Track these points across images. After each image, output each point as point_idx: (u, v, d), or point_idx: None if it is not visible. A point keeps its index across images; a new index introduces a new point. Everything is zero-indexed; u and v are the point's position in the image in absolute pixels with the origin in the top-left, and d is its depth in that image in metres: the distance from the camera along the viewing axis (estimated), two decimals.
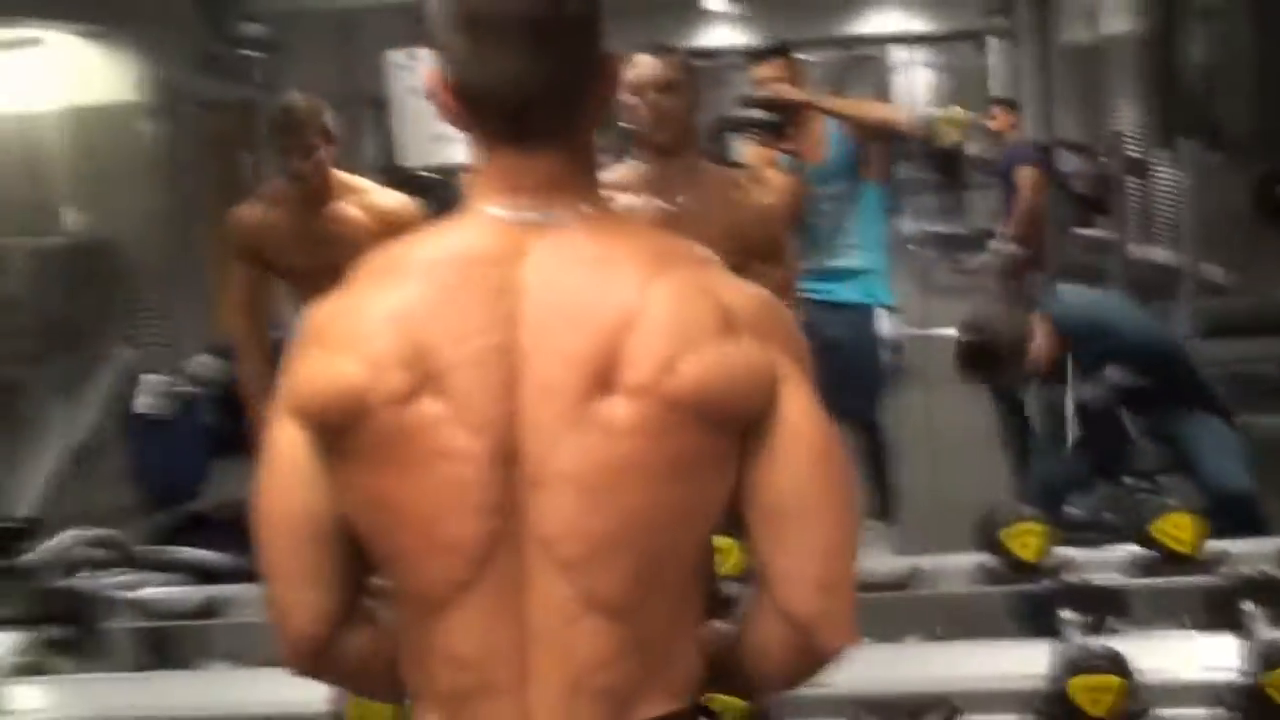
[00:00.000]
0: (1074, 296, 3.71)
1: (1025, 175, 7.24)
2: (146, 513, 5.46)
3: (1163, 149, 7.59)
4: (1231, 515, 3.06)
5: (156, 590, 2.52)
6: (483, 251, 1.14)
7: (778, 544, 1.14)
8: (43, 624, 2.27)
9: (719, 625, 1.24)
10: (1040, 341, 3.31)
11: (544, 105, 1.15)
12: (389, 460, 1.12)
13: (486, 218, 1.16)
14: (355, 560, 1.19)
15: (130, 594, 2.47)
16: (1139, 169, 7.97)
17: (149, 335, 7.65)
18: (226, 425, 6.77)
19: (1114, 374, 3.40)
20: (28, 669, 2.17)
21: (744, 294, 1.16)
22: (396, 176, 12.58)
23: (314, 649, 1.22)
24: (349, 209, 3.36)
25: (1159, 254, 8.83)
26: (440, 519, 1.11)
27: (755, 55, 4.30)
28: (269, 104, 9.88)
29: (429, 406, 1.10)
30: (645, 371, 1.09)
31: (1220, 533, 2.38)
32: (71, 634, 2.30)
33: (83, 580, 2.63)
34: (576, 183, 1.18)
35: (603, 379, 1.09)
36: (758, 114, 3.94)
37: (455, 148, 2.12)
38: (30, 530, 3.72)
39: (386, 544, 1.16)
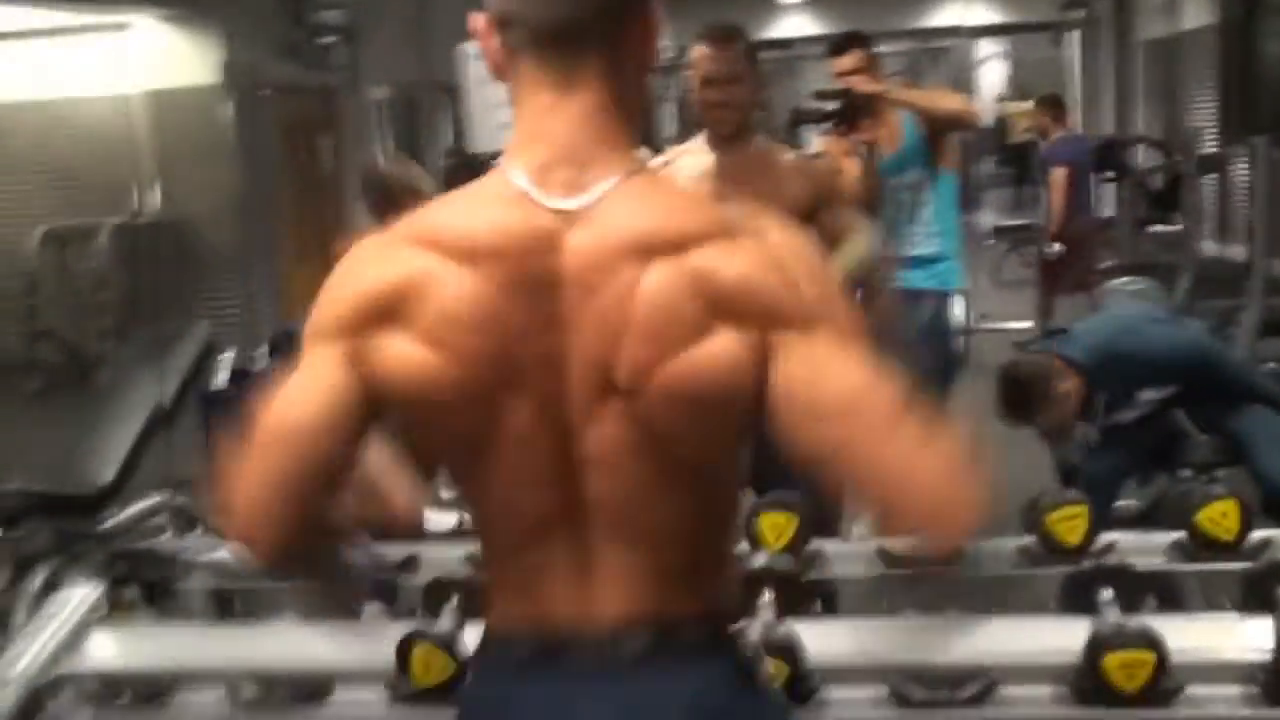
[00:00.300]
0: (1085, 334, 3.67)
1: (1055, 175, 7.29)
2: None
3: (1237, 145, 7.50)
4: None
5: (229, 552, 2.62)
6: (530, 237, 1.21)
7: (837, 447, 1.21)
8: (125, 580, 2.38)
9: None
10: (1067, 386, 3.38)
11: (586, 31, 1.22)
12: (472, 445, 1.26)
13: (519, 194, 1.22)
14: (336, 484, 1.29)
15: (204, 556, 2.57)
16: (1213, 165, 7.89)
17: (224, 313, 7.87)
18: None
19: (1147, 394, 3.46)
20: (110, 619, 2.28)
21: (740, 266, 1.20)
22: (461, 159, 12.81)
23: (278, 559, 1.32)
24: None
25: (1231, 251, 8.75)
26: (519, 494, 1.27)
27: (832, 47, 4.35)
28: (345, 89, 10.10)
29: (510, 403, 1.23)
30: (628, 374, 1.21)
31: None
32: (151, 590, 2.41)
33: (162, 542, 2.73)
34: (613, 138, 1.24)
35: (606, 378, 1.22)
36: (832, 105, 4.00)
37: None
38: (109, 496, 3.88)
39: (470, 502, 1.32)
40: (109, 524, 3.70)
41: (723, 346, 1.20)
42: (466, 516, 4.33)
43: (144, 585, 2.43)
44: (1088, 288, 6.77)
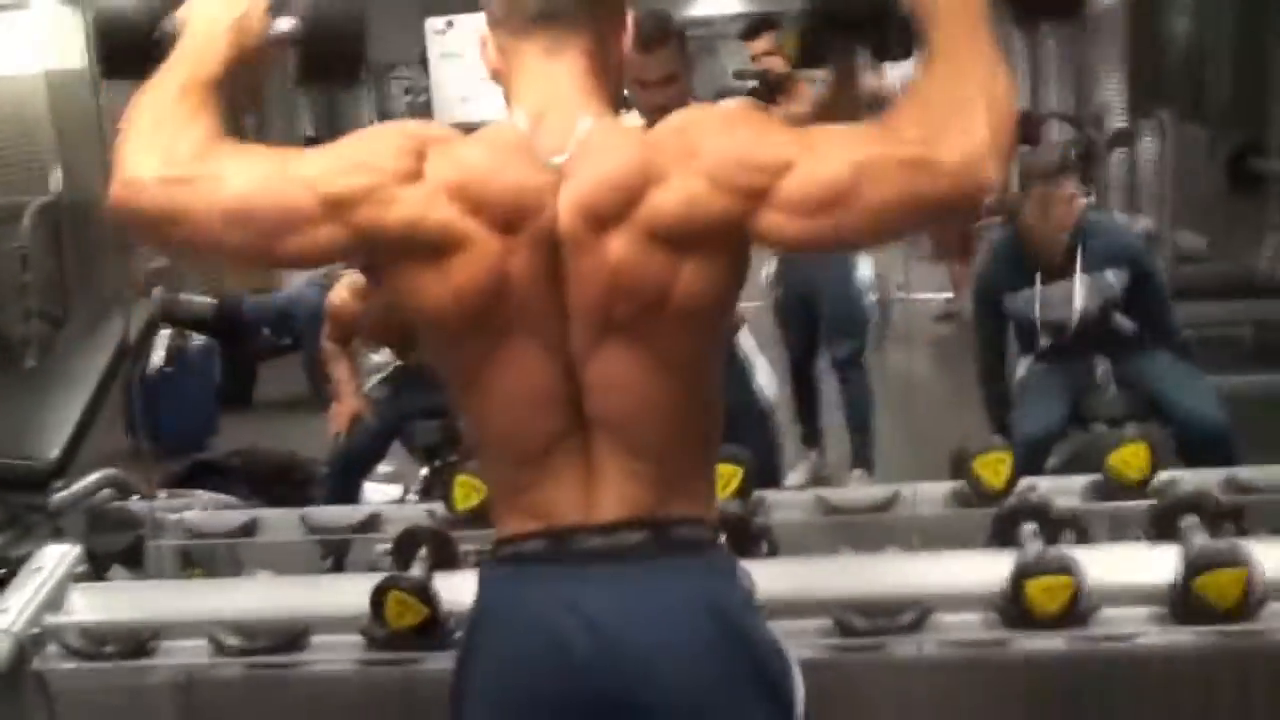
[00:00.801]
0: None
1: None
2: (157, 459, 5.69)
3: (1145, 120, 7.78)
4: (1214, 450, 3.32)
5: (198, 513, 2.72)
6: (535, 191, 1.38)
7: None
8: (102, 539, 2.47)
9: None
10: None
11: (567, 10, 1.42)
12: (480, 356, 1.43)
13: (519, 134, 1.40)
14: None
15: (175, 515, 2.67)
16: (1122, 140, 8.16)
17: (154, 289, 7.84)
18: (230, 380, 7.03)
19: (1116, 277, 3.69)
20: (87, 577, 2.37)
21: (684, 195, 1.36)
22: None
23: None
24: None
25: (1141, 222, 9.05)
26: (523, 410, 1.44)
27: (746, 31, 4.70)
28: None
29: (510, 332, 1.41)
30: (635, 312, 1.39)
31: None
32: (124, 548, 2.50)
33: (132, 504, 2.82)
34: (587, 91, 1.43)
35: (611, 317, 1.39)
36: (750, 84, 4.23)
37: (481, 106, 2.35)
38: (59, 470, 3.94)
39: (478, 403, 1.46)
40: (58, 497, 3.79)
41: (687, 277, 1.38)
42: (411, 489, 4.46)
43: (121, 540, 2.51)
44: None
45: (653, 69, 3.00)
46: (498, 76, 1.49)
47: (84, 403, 4.17)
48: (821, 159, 1.34)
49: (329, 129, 12.50)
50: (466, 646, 1.51)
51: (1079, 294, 3.78)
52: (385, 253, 1.42)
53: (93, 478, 3.88)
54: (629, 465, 1.43)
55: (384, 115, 13.48)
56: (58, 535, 3.79)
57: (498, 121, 1.45)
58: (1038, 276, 3.83)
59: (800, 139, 1.37)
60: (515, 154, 1.40)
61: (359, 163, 1.40)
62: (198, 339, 6.85)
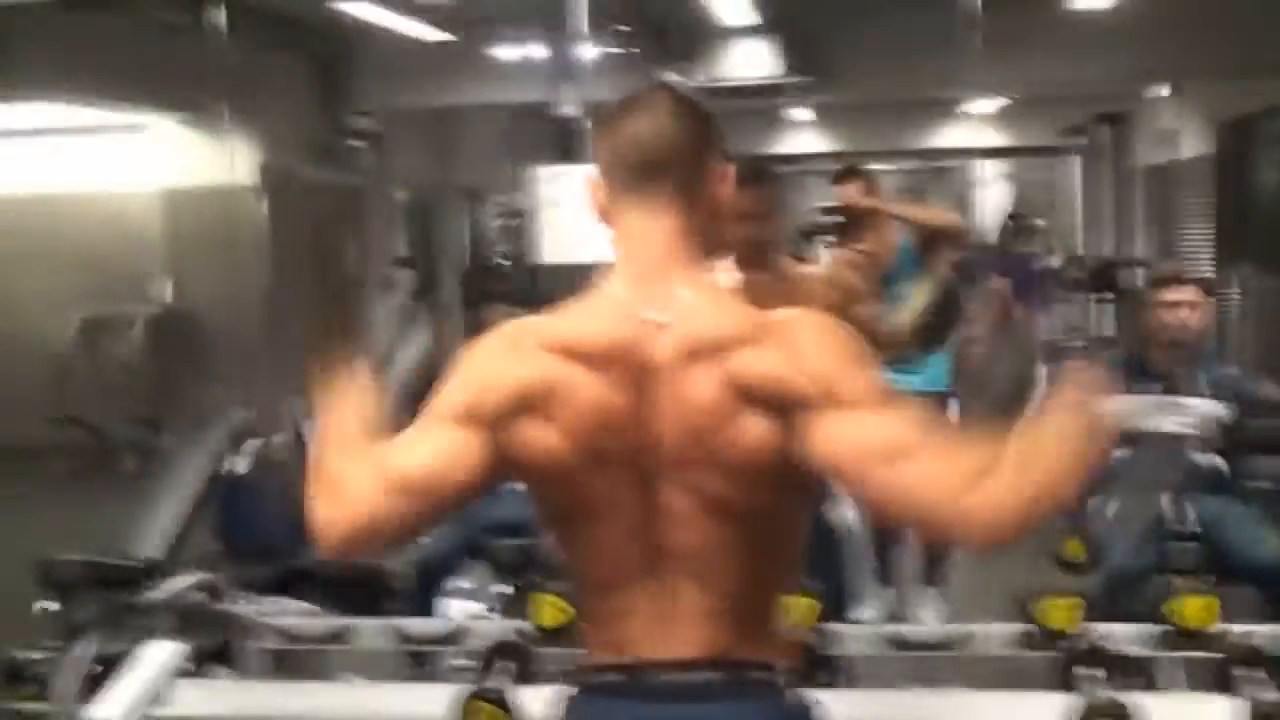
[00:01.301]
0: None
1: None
2: (243, 564, 5.87)
3: (1229, 271, 7.84)
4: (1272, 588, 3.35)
5: (290, 618, 2.86)
6: (631, 341, 1.51)
7: (884, 484, 1.46)
8: (199, 638, 2.61)
9: None
10: None
11: (667, 167, 1.56)
12: (575, 505, 1.56)
13: (618, 304, 1.54)
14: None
15: (269, 619, 2.80)
16: (1208, 289, 8.18)
17: (245, 402, 8.10)
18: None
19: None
20: (188, 673, 2.51)
21: (772, 365, 1.49)
22: (479, 263, 13.15)
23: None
24: None
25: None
26: (612, 546, 1.55)
27: (835, 177, 4.89)
28: (372, 190, 10.47)
29: (611, 474, 1.53)
30: (697, 447, 1.50)
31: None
32: (222, 648, 2.63)
33: (230, 606, 2.96)
34: (690, 256, 1.57)
35: (683, 453, 1.51)
36: (833, 220, 4.45)
37: (583, 249, 2.53)
38: (158, 570, 4.10)
39: (568, 550, 1.60)
40: (153, 597, 3.94)
41: (751, 426, 1.49)
42: (495, 607, 4.56)
43: (219, 640, 2.64)
44: None
45: (749, 204, 3.14)
46: (604, 218, 1.63)
47: (183, 506, 4.35)
48: (893, 421, 1.46)
49: (423, 249, 12.94)
50: None
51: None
52: (509, 425, 1.54)
53: (187, 580, 4.05)
54: (705, 604, 1.53)
55: (476, 235, 13.91)
56: (149, 635, 3.95)
57: (600, 288, 1.58)
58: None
59: (885, 395, 1.49)
60: (613, 312, 1.54)
61: (468, 373, 1.57)
62: (285, 449, 7.08)
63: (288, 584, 4.85)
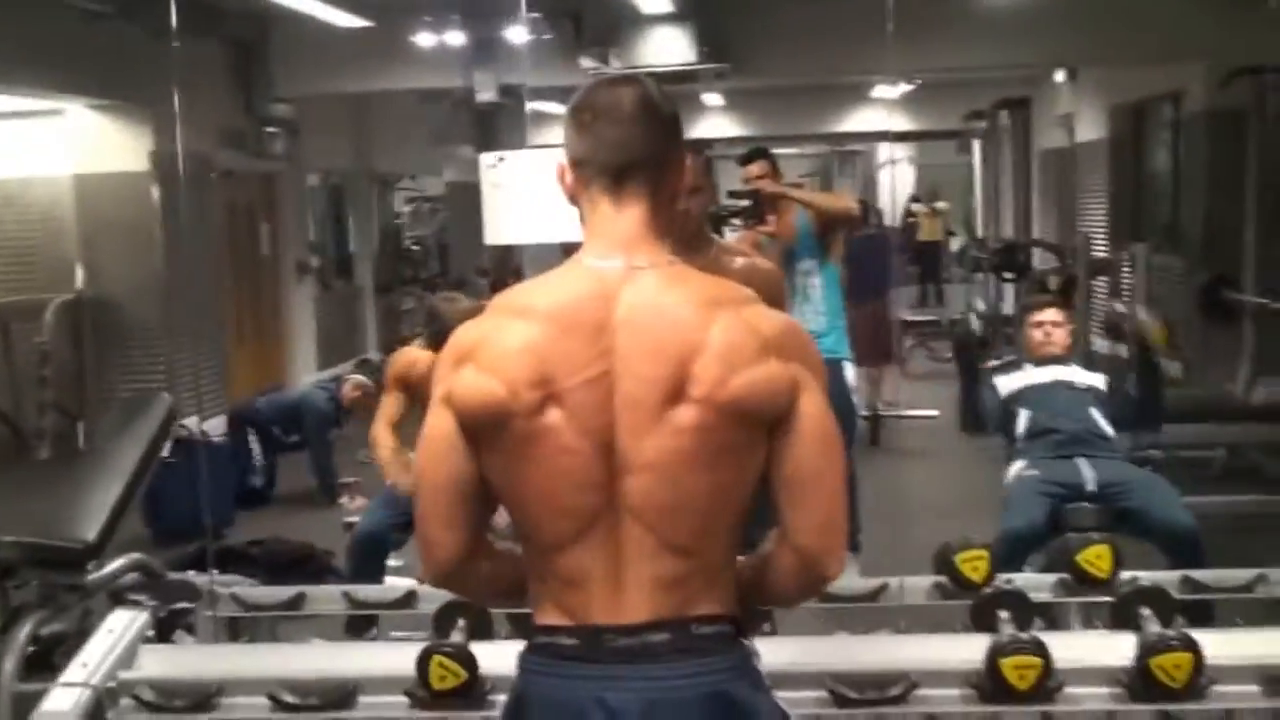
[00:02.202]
0: None
1: None
2: (169, 546, 5.94)
3: (1125, 250, 8.18)
4: (1187, 553, 3.64)
5: (248, 588, 2.98)
6: (586, 297, 1.63)
7: (793, 501, 1.64)
8: (167, 605, 2.73)
9: (749, 558, 1.74)
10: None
11: (637, 168, 1.68)
12: (523, 454, 1.63)
13: (585, 268, 1.67)
14: (485, 510, 1.71)
15: (228, 589, 2.92)
16: (1102, 269, 8.53)
17: (173, 388, 8.11)
18: (244, 477, 7.31)
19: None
20: (151, 640, 2.62)
21: (775, 324, 1.66)
22: (394, 244, 13.20)
23: (450, 571, 1.72)
24: None
25: (1119, 349, 9.39)
26: (560, 494, 1.63)
27: (742, 159, 5.30)
28: (288, 176, 10.47)
29: (552, 416, 1.61)
30: (704, 388, 1.60)
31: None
32: (188, 615, 2.75)
33: (190, 577, 3.07)
34: (654, 237, 1.70)
35: (673, 393, 1.60)
36: (743, 203, 4.76)
37: (526, 230, 2.68)
38: (95, 552, 4.16)
39: (520, 507, 1.67)
40: (93, 577, 4.02)
41: (773, 370, 1.62)
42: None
43: (185, 607, 2.75)
44: None
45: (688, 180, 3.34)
46: (574, 200, 1.75)
47: (120, 487, 4.41)
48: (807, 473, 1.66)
49: (337, 234, 12.95)
50: None
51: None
52: (458, 372, 1.66)
53: (122, 561, 4.14)
54: (660, 561, 1.60)
55: (387, 221, 13.95)
56: (87, 616, 4.02)
57: (565, 264, 1.71)
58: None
59: (818, 420, 1.66)
60: (575, 275, 1.67)
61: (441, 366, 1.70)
62: (210, 435, 7.16)
63: (222, 563, 4.96)
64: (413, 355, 4.74)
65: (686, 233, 3.25)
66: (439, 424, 1.68)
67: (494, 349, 1.64)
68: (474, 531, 1.71)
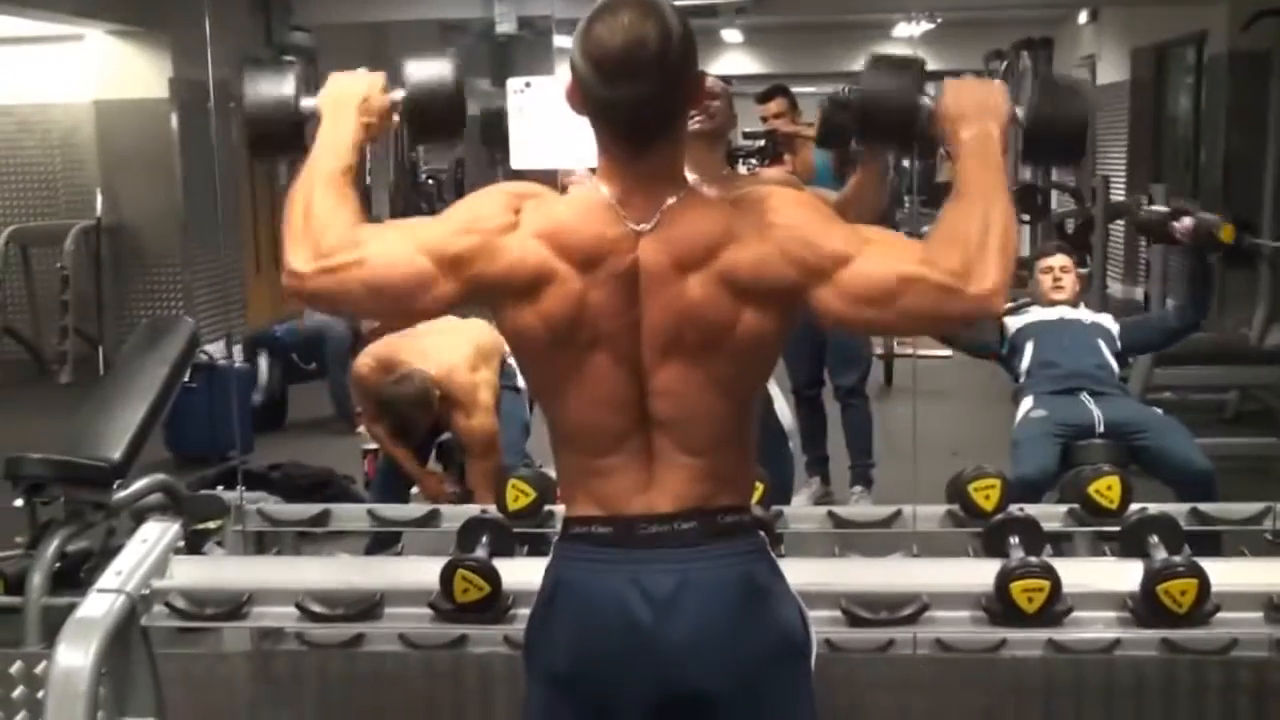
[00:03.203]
0: None
1: None
2: (190, 468, 6.04)
3: (1142, 193, 8.15)
4: (1200, 493, 3.70)
5: (275, 504, 3.05)
6: (617, 240, 1.70)
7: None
8: (198, 520, 2.80)
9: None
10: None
11: (653, 119, 1.70)
12: (570, 378, 1.74)
13: (613, 215, 1.70)
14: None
15: (254, 505, 3.00)
16: (1120, 211, 8.53)
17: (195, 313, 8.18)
18: (264, 404, 7.39)
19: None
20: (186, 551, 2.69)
21: (755, 257, 1.69)
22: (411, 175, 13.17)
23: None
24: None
25: (1136, 292, 9.41)
26: (600, 413, 1.74)
27: (760, 96, 5.20)
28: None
29: (594, 352, 1.72)
30: (702, 339, 1.70)
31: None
32: (218, 530, 2.83)
33: (218, 493, 3.15)
34: (670, 175, 1.73)
35: (681, 337, 1.70)
36: (759, 143, 4.79)
37: (551, 155, 2.71)
38: (120, 471, 4.24)
39: (563, 419, 1.78)
40: (117, 496, 4.11)
41: (748, 319, 1.70)
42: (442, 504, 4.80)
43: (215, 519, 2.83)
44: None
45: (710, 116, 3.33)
46: (580, 111, 1.73)
47: (145, 408, 4.48)
48: (877, 262, 1.68)
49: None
50: (544, 609, 1.82)
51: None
52: (490, 292, 1.74)
53: (146, 480, 4.22)
54: (684, 461, 1.74)
55: (403, 152, 13.92)
56: (111, 534, 4.11)
57: (588, 190, 1.76)
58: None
59: (860, 238, 1.71)
60: (601, 213, 1.71)
61: (467, 226, 1.73)
62: (230, 361, 7.23)
63: (245, 486, 5.05)
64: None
65: (709, 143, 3.26)
66: (425, 263, 1.73)
67: (552, 297, 1.71)
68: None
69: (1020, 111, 1.86)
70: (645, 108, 1.67)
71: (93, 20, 8.40)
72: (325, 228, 1.74)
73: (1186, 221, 4.36)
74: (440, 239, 1.73)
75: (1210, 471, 3.94)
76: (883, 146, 1.93)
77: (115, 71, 8.80)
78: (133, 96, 8.74)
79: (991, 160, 1.76)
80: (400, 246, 1.74)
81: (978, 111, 1.81)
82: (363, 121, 1.88)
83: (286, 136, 1.95)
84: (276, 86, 1.96)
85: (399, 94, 1.95)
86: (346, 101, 1.89)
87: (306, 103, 1.94)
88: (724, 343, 1.71)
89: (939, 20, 12.43)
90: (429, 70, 1.95)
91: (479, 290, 1.74)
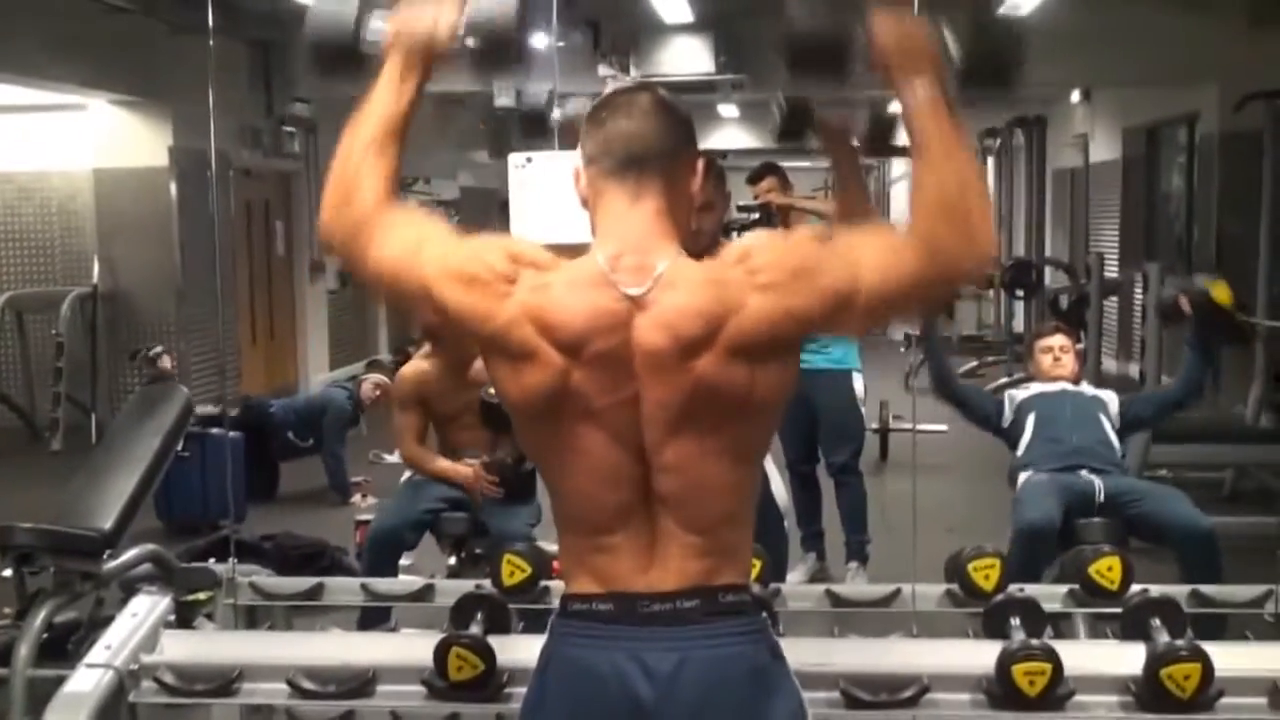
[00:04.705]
0: None
1: None
2: (181, 538, 5.99)
3: (1134, 270, 8.21)
4: (1204, 554, 3.68)
5: (267, 577, 3.02)
6: (608, 317, 1.69)
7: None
8: (188, 592, 2.76)
9: None
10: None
11: (652, 160, 1.74)
12: (569, 450, 1.73)
13: (605, 281, 1.70)
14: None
15: (246, 578, 2.96)
16: (1114, 288, 8.57)
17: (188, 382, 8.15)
18: (255, 476, 7.34)
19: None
20: (176, 624, 2.66)
21: (751, 324, 1.68)
22: None
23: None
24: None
25: (1131, 368, 9.43)
26: (601, 490, 1.72)
27: (751, 176, 5.39)
28: (305, 175, 10.50)
29: (590, 430, 1.71)
30: (709, 408, 1.69)
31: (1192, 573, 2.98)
32: (208, 602, 2.79)
33: (210, 565, 3.11)
34: (667, 235, 1.74)
35: (688, 408, 1.69)
36: (754, 217, 4.85)
37: (553, 231, 2.72)
38: (111, 541, 4.20)
39: (563, 496, 1.76)
40: (107, 567, 4.06)
41: (764, 379, 1.70)
42: (437, 576, 4.74)
43: (205, 594, 2.79)
44: None
45: (703, 196, 3.39)
46: (586, 205, 1.81)
47: (135, 480, 4.45)
48: (880, 276, 1.67)
49: None
50: (541, 686, 1.79)
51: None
52: (481, 344, 1.76)
53: (136, 551, 4.18)
54: (687, 539, 1.72)
55: None
56: (100, 605, 4.06)
57: (583, 258, 1.75)
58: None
59: (853, 258, 1.70)
60: (592, 287, 1.71)
61: (466, 277, 1.73)
62: (224, 431, 7.19)
63: (236, 556, 5.00)
64: (420, 370, 4.65)
65: (699, 247, 3.31)
66: (430, 282, 1.75)
67: (536, 368, 1.71)
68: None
69: (950, 43, 1.82)
70: (642, 138, 1.74)
71: (97, 90, 8.47)
72: (363, 182, 1.79)
73: (1183, 298, 4.41)
74: (436, 269, 1.75)
75: (1210, 531, 3.92)
76: (814, 80, 1.87)
77: (116, 140, 8.86)
78: (132, 165, 8.80)
79: (944, 114, 1.74)
80: (407, 249, 1.77)
81: (915, 58, 1.78)
82: (424, 65, 1.86)
83: (348, 61, 1.91)
84: (342, 7, 1.92)
85: (463, 25, 1.89)
86: (410, 39, 1.86)
87: (374, 27, 1.90)
88: (742, 410, 1.70)
89: None
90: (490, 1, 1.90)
91: (465, 337, 1.77)
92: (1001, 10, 7.59)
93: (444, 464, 4.47)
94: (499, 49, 1.91)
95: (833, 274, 1.69)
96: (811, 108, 3.21)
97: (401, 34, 1.86)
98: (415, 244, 1.77)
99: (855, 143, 2.58)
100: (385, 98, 1.85)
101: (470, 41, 1.88)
